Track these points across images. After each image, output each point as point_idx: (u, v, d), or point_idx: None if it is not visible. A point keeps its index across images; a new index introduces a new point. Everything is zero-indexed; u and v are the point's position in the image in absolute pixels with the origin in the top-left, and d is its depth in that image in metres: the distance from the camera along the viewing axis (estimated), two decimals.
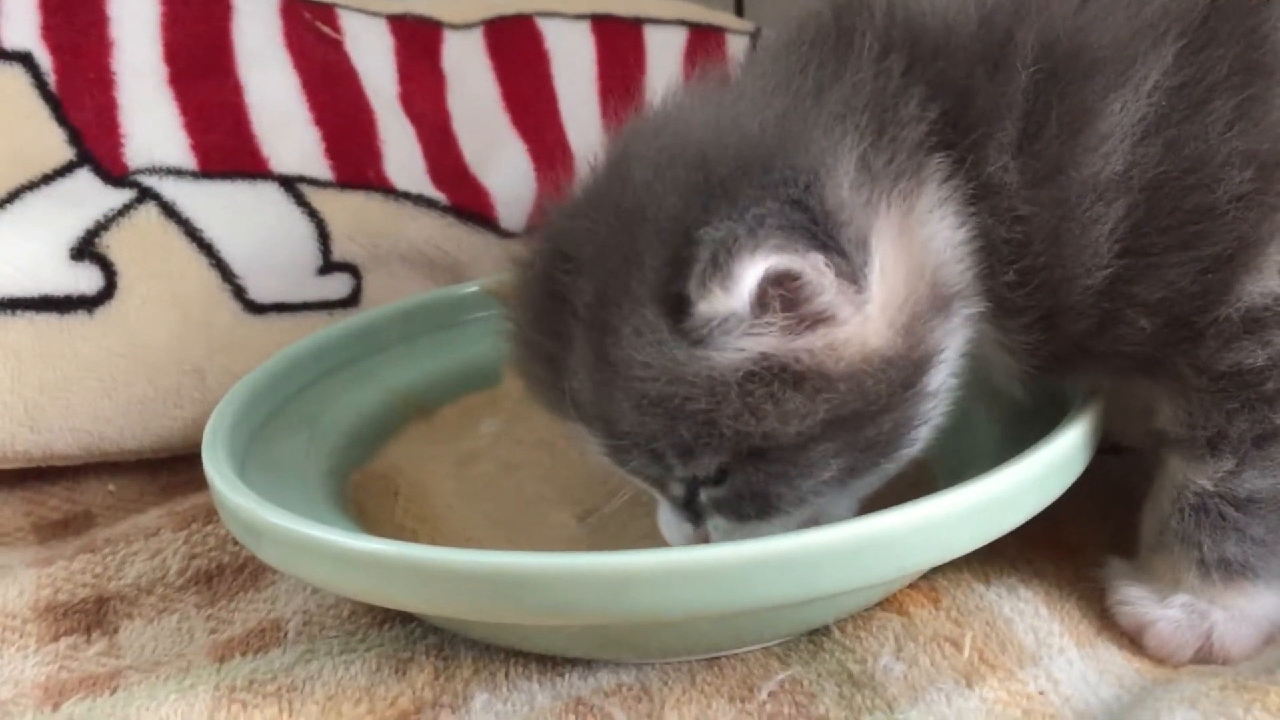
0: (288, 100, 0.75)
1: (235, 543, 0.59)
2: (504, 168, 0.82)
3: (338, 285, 0.74)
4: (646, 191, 0.44)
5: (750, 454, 0.44)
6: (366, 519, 0.56)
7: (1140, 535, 0.51)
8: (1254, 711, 0.43)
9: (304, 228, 0.73)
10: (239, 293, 0.71)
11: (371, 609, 0.53)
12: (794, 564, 0.43)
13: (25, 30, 0.71)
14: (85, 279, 0.68)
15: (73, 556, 0.60)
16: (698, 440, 0.44)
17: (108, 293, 0.68)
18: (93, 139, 0.70)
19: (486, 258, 0.78)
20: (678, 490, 0.47)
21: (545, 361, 0.47)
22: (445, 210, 0.78)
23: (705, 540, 0.48)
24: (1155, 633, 0.49)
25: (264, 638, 0.53)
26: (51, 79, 0.71)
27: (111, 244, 0.69)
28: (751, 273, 0.41)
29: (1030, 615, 0.50)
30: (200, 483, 0.53)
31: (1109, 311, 0.46)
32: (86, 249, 0.68)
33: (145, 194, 0.70)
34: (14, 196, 0.68)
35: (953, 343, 0.46)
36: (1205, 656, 0.48)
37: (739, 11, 1.06)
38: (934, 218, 0.45)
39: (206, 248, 0.70)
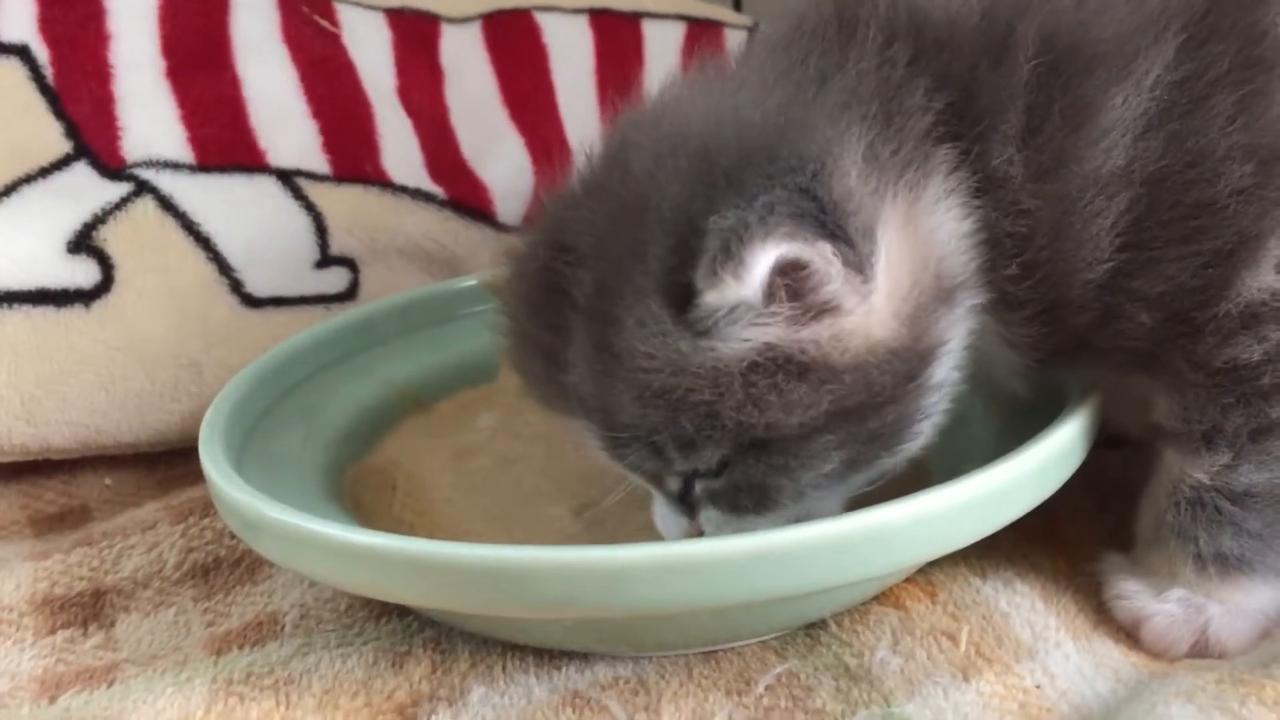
0: (285, 94, 0.75)
1: (232, 536, 0.59)
2: (502, 162, 0.82)
3: (335, 279, 0.74)
4: (648, 181, 0.44)
5: (752, 446, 0.44)
6: (364, 513, 0.56)
7: (1136, 529, 0.51)
8: (1249, 705, 0.43)
9: (301, 221, 0.73)
10: (236, 286, 0.71)
11: (369, 602, 0.53)
12: (791, 558, 0.43)
13: (22, 23, 0.71)
14: (82, 272, 0.68)
15: (69, 550, 0.60)
16: (699, 432, 0.44)
17: (105, 286, 0.68)
18: (90, 132, 0.70)
19: (484, 252, 0.78)
20: (674, 484, 0.47)
21: (542, 354, 0.47)
22: (443, 204, 0.78)
23: (700, 534, 0.48)
24: (1151, 627, 0.49)
25: (261, 631, 0.53)
26: (49, 72, 0.71)
27: (109, 237, 0.69)
28: (763, 260, 0.41)
29: (1027, 609, 0.50)
30: (197, 476, 0.53)
31: (1109, 305, 0.46)
32: (84, 242, 0.68)
33: (143, 187, 0.70)
34: (11, 189, 0.68)
35: (956, 335, 0.46)
36: (1201, 650, 0.48)
37: (737, 6, 1.06)
38: (939, 209, 0.45)
39: (204, 241, 0.70)
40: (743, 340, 0.43)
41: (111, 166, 0.70)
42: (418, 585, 0.45)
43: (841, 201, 0.42)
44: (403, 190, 0.77)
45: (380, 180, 0.76)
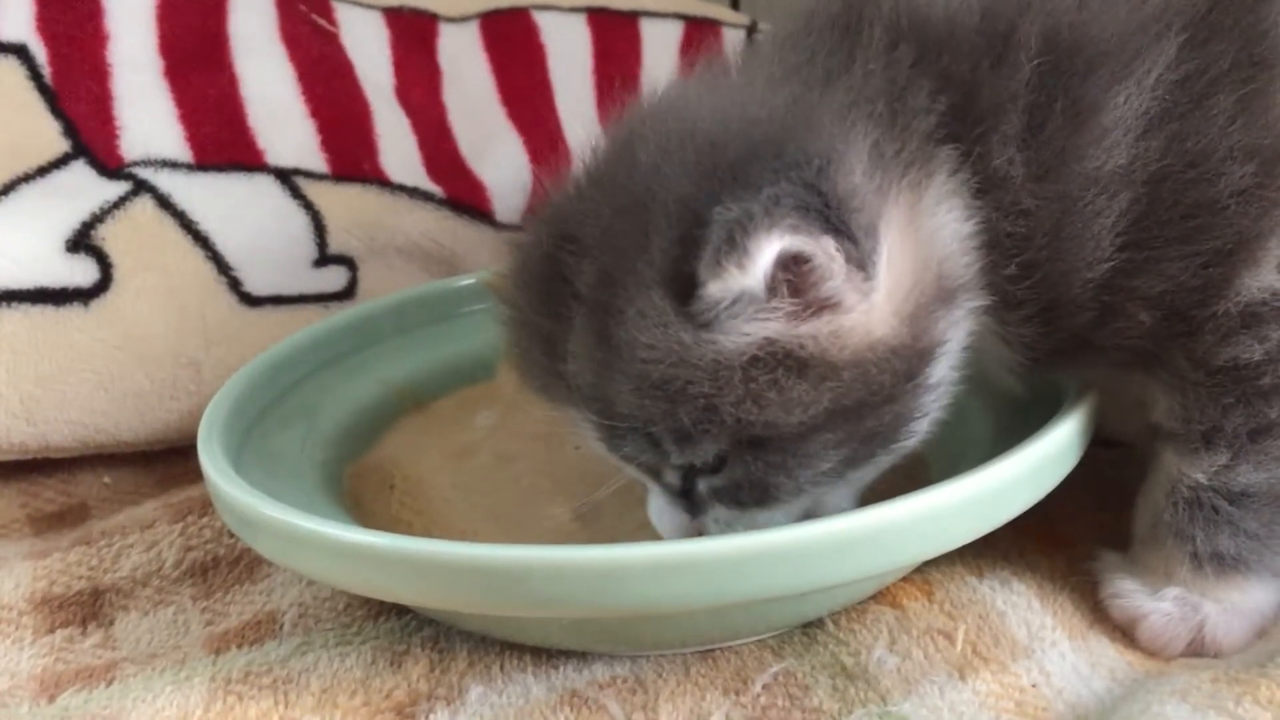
0: (283, 93, 0.75)
1: (231, 535, 0.59)
2: (500, 161, 0.82)
3: (333, 278, 0.74)
4: (653, 174, 0.44)
5: (750, 442, 0.44)
6: (362, 512, 0.56)
7: (1133, 529, 0.51)
8: (1244, 704, 0.43)
9: (300, 220, 0.73)
10: (235, 285, 0.71)
11: (367, 601, 0.53)
12: (788, 557, 0.43)
13: (20, 22, 0.71)
14: (81, 271, 0.68)
15: (68, 549, 0.60)
16: (697, 426, 0.44)
17: (103, 285, 0.68)
18: (88, 131, 0.70)
19: (482, 250, 0.78)
20: (673, 478, 0.47)
21: (542, 343, 0.47)
22: (441, 203, 0.78)
23: (700, 532, 0.48)
24: (1148, 626, 0.49)
25: (259, 630, 0.53)
26: (47, 71, 0.71)
27: (107, 236, 0.69)
28: (767, 251, 0.41)
29: (1023, 608, 0.50)
30: (196, 475, 0.54)
31: (1109, 305, 0.46)
32: (82, 241, 0.68)
33: (141, 186, 0.70)
34: (9, 188, 0.68)
35: (956, 335, 0.46)
36: (1197, 649, 0.49)
37: (734, 5, 1.06)
38: (942, 209, 0.45)
39: (202, 240, 0.70)
40: (743, 334, 0.43)
41: (110, 165, 0.70)
42: (415, 584, 0.45)
43: (846, 198, 0.42)
44: (401, 189, 0.77)
45: (378, 179, 0.76)
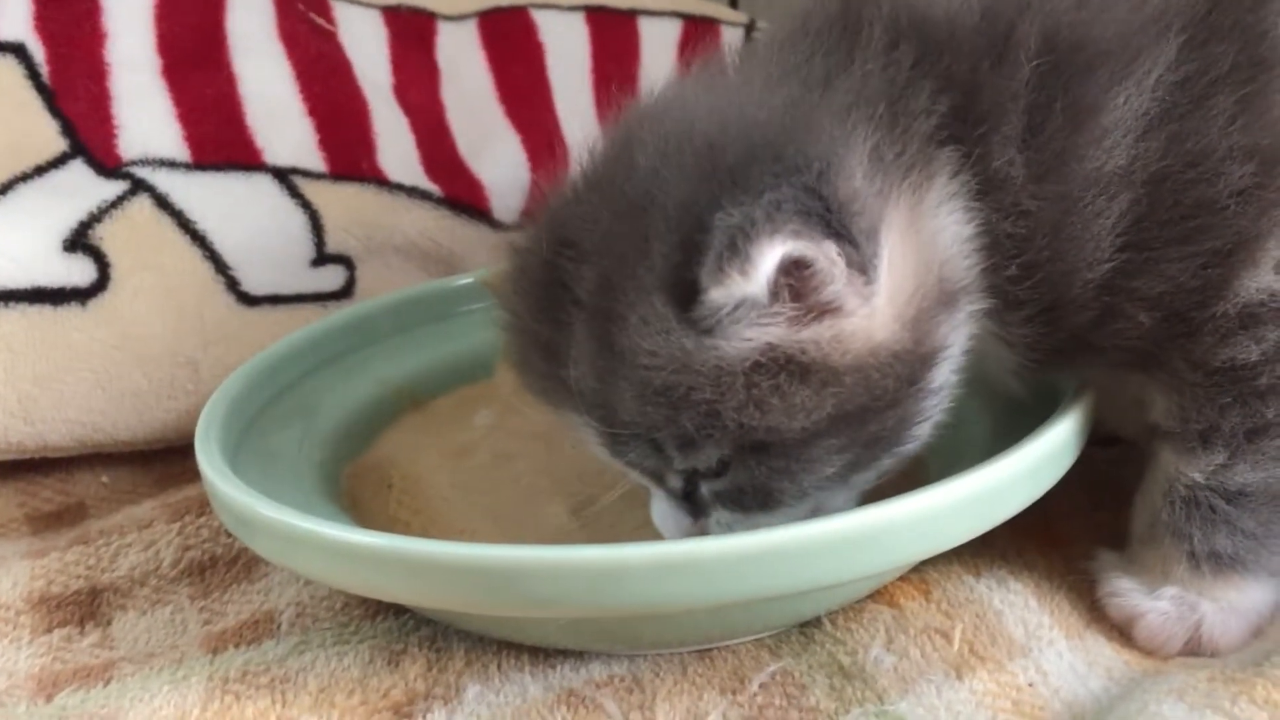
0: (281, 92, 0.75)
1: (228, 535, 0.59)
2: (498, 159, 0.82)
3: (331, 277, 0.74)
4: (652, 177, 0.44)
5: (752, 447, 0.44)
6: (360, 511, 0.56)
7: (1130, 528, 0.51)
8: (1240, 703, 0.43)
9: (297, 219, 0.73)
10: (233, 284, 0.71)
11: (364, 601, 0.53)
12: (786, 557, 0.43)
13: (18, 21, 0.71)
14: (79, 271, 0.68)
15: (66, 548, 0.60)
16: (700, 431, 0.44)
17: (101, 284, 0.68)
18: (86, 130, 0.70)
19: (480, 249, 0.78)
20: (676, 482, 0.47)
21: (542, 349, 0.47)
22: (439, 202, 0.78)
23: (703, 534, 0.48)
24: (1145, 624, 0.49)
25: (257, 629, 0.53)
26: (44, 70, 0.71)
27: (105, 236, 0.69)
28: (770, 257, 0.40)
29: (1020, 607, 0.50)
30: (194, 474, 0.53)
31: (1108, 305, 0.46)
32: (80, 241, 0.68)
33: (138, 185, 0.70)
34: (7, 188, 0.68)
35: (957, 339, 0.46)
36: (1194, 649, 0.49)
37: (733, 3, 1.06)
38: (942, 212, 0.45)
39: (200, 239, 0.70)
40: (745, 339, 0.43)
41: (107, 165, 0.70)
42: (413, 584, 0.45)
43: (847, 202, 0.42)
44: (399, 188, 0.77)
45: (376, 178, 0.76)
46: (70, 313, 0.67)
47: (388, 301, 0.68)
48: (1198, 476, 0.47)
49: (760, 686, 0.47)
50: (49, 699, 0.50)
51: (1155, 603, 0.49)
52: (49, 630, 0.56)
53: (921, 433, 0.47)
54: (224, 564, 0.58)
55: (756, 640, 0.50)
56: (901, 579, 0.52)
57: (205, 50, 0.74)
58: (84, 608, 0.57)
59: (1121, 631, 0.50)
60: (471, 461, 0.61)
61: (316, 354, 0.63)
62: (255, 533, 0.48)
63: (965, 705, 0.46)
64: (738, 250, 0.40)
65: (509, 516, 0.57)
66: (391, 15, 0.83)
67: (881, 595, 0.51)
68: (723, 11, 0.95)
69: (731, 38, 0.91)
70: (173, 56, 0.73)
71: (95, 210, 0.69)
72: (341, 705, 0.48)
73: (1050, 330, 0.47)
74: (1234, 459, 0.47)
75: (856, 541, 0.44)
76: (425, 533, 0.55)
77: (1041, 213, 0.45)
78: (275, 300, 0.72)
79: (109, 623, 0.56)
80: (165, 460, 0.70)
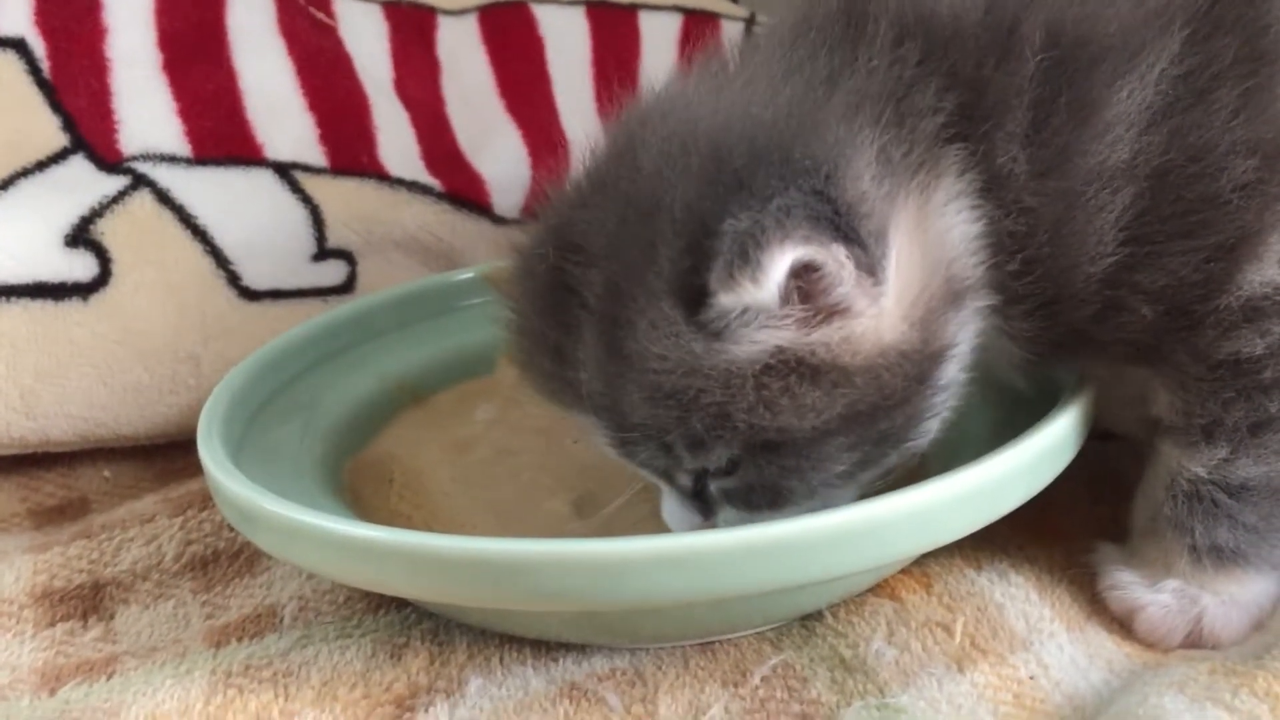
0: (282, 87, 0.75)
1: (231, 529, 0.59)
2: (498, 154, 0.82)
3: (332, 272, 0.74)
4: (657, 180, 0.44)
5: (762, 447, 0.44)
6: (361, 505, 0.56)
7: (1131, 521, 0.51)
8: (1241, 696, 0.43)
9: (298, 214, 0.73)
10: (234, 279, 0.71)
11: (367, 595, 0.54)
12: (787, 550, 0.43)
13: (19, 16, 0.71)
14: (80, 266, 0.68)
15: (69, 542, 0.60)
16: (710, 433, 0.44)
17: (102, 279, 0.68)
18: (87, 126, 0.70)
19: (481, 244, 0.78)
20: (685, 481, 0.47)
21: (551, 352, 0.47)
22: (440, 196, 0.78)
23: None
24: (1146, 618, 0.49)
25: (259, 623, 0.53)
26: (45, 65, 0.71)
27: (106, 231, 0.69)
28: (780, 264, 0.40)
29: (1021, 600, 0.51)
30: (196, 469, 0.54)
31: (1111, 299, 0.46)
32: (81, 236, 0.68)
33: (139, 181, 0.70)
34: (8, 183, 0.68)
35: (965, 336, 0.46)
36: (1195, 641, 0.49)
37: None
38: (949, 211, 0.45)
39: (201, 234, 0.70)
40: (755, 342, 0.43)
41: (109, 160, 0.70)
42: (414, 578, 0.45)
43: (855, 204, 0.42)
44: (400, 183, 0.77)
45: (377, 173, 0.76)
46: (72, 308, 0.67)
47: (389, 296, 0.68)
48: (1200, 471, 0.47)
49: (762, 679, 0.47)
50: (52, 693, 0.50)
51: (1156, 596, 0.49)
52: (52, 624, 0.56)
53: (930, 429, 0.47)
54: (226, 558, 0.59)
55: (758, 633, 0.50)
56: (903, 572, 0.52)
57: (205, 45, 0.74)
58: (87, 602, 0.57)
59: (1122, 624, 0.50)
60: (473, 456, 0.61)
61: (318, 349, 0.63)
62: (257, 527, 0.49)
63: (966, 698, 0.46)
64: (748, 257, 0.40)
65: (510, 511, 0.57)
66: (392, 10, 0.83)
67: (883, 588, 0.51)
68: (723, 6, 0.95)
69: (732, 32, 0.91)
70: (173, 51, 0.73)
71: (96, 205, 0.69)
72: (344, 699, 0.48)
73: (1053, 324, 0.47)
74: (1237, 453, 0.47)
75: (858, 535, 0.44)
76: (427, 527, 0.55)
77: (1044, 208, 0.45)
78: (276, 295, 0.72)
79: (112, 617, 0.56)
80: (167, 455, 0.70)
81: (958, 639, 0.49)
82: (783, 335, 0.43)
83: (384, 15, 0.83)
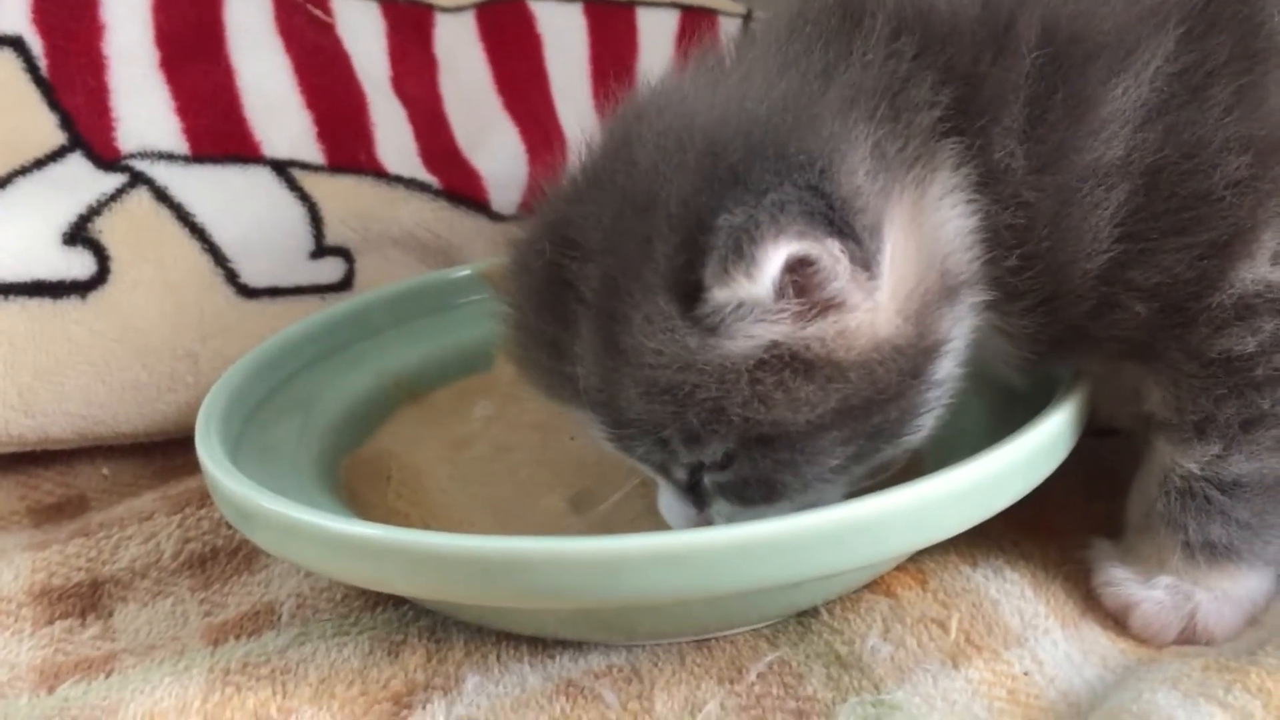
0: (279, 84, 0.75)
1: (229, 526, 0.59)
2: (496, 151, 0.82)
3: (330, 269, 0.74)
4: (653, 175, 0.44)
5: (757, 441, 0.44)
6: (359, 503, 0.56)
7: (1126, 518, 0.52)
8: (1234, 691, 0.43)
9: (296, 212, 0.73)
10: (231, 277, 0.71)
11: (364, 592, 0.54)
12: (783, 547, 0.43)
13: (16, 14, 0.71)
14: (78, 264, 0.68)
15: (67, 540, 0.61)
16: (705, 427, 0.44)
17: (101, 277, 0.68)
18: (84, 123, 0.70)
19: (479, 241, 0.78)
20: (681, 475, 0.48)
21: (547, 347, 0.47)
22: (437, 193, 0.78)
23: (708, 524, 0.48)
24: (1140, 614, 0.49)
25: (258, 621, 0.53)
26: (43, 63, 0.71)
27: (104, 229, 0.69)
28: (775, 259, 0.41)
29: (1016, 597, 0.51)
30: (194, 467, 0.54)
31: (1106, 296, 0.46)
32: (79, 234, 0.68)
33: (137, 178, 0.70)
34: (6, 181, 0.68)
35: (960, 331, 0.46)
36: (1189, 637, 0.49)
37: None
38: (945, 205, 0.45)
39: (199, 232, 0.70)
40: (750, 337, 0.43)
41: (106, 158, 0.70)
42: (411, 576, 0.45)
43: (849, 199, 0.42)
44: (397, 180, 0.77)
45: (374, 170, 0.76)
46: (70, 306, 0.67)
47: (386, 294, 0.68)
48: (1193, 467, 0.48)
49: (758, 676, 0.47)
50: (51, 691, 0.50)
51: (1150, 592, 0.49)
52: (50, 622, 0.56)
53: (924, 424, 0.47)
54: (224, 556, 0.59)
55: (754, 630, 0.50)
56: (898, 569, 0.52)
57: (203, 43, 0.74)
58: (85, 600, 0.57)
59: (1117, 620, 0.50)
60: (470, 453, 0.61)
61: (315, 346, 0.63)
62: (255, 525, 0.49)
63: (961, 694, 0.46)
64: (742, 252, 0.40)
65: (508, 508, 0.57)
66: (389, 7, 0.83)
67: (878, 585, 0.52)
68: (720, 2, 0.95)
69: (729, 28, 0.91)
70: (171, 49, 0.73)
71: (94, 203, 0.69)
72: (341, 696, 0.48)
73: (1049, 321, 0.47)
74: (1229, 450, 0.47)
75: (853, 532, 0.44)
76: (424, 524, 0.55)
77: (1041, 204, 0.45)
78: (274, 293, 0.72)
79: (110, 615, 0.56)
80: (166, 452, 0.70)
81: (953, 635, 0.49)
82: (777, 330, 0.43)
83: (382, 13, 0.83)
